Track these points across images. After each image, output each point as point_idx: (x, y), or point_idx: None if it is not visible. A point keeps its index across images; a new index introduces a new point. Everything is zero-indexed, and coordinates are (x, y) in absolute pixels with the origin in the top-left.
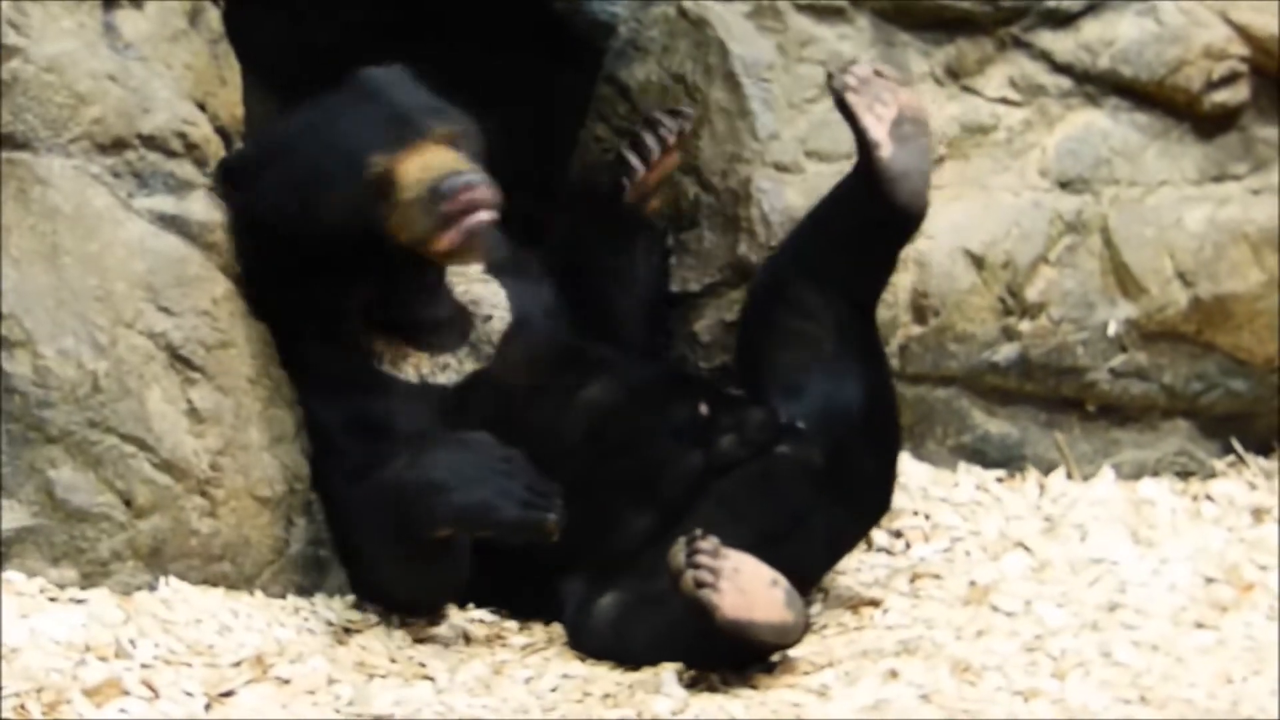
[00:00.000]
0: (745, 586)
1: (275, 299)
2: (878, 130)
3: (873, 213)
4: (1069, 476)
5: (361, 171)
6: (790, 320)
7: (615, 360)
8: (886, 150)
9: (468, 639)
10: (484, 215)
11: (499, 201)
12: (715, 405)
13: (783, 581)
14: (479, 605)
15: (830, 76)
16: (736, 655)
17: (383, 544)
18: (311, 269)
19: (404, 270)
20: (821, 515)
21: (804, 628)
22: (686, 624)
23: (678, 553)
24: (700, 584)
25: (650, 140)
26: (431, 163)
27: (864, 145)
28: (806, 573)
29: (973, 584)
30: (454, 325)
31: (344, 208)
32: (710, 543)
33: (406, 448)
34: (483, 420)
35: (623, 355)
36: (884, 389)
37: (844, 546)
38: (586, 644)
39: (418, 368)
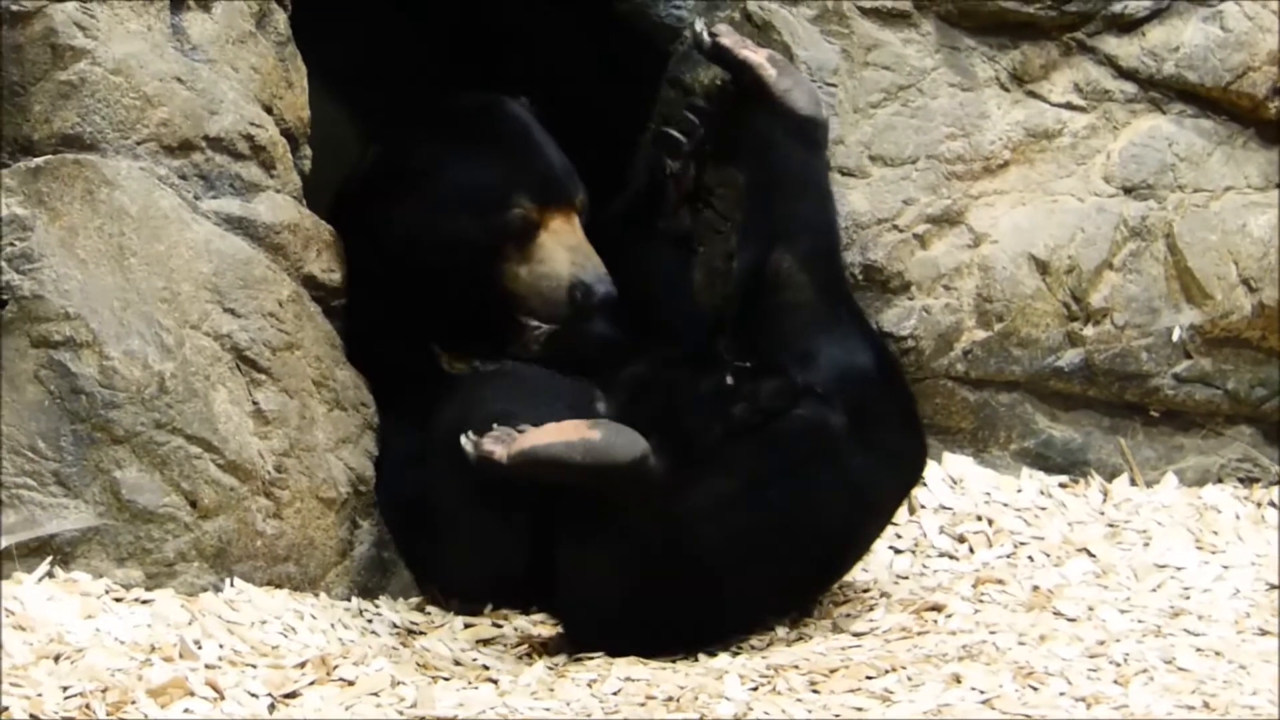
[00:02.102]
0: (546, 430)
1: (366, 308)
2: (757, 57)
3: (782, 133)
4: (1132, 482)
5: (506, 209)
6: (776, 294)
7: (651, 345)
8: (770, 71)
9: (530, 641)
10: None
11: None
12: (739, 377)
13: (610, 423)
14: (540, 608)
15: (696, 32)
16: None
17: (459, 494)
18: (412, 289)
19: (490, 310)
20: (849, 472)
21: (639, 455)
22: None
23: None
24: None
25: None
26: (574, 241)
27: (750, 74)
28: (839, 526)
29: (1036, 589)
30: (506, 336)
31: (475, 238)
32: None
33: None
34: None
35: (658, 342)
36: (885, 346)
37: (886, 500)
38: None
39: (469, 363)
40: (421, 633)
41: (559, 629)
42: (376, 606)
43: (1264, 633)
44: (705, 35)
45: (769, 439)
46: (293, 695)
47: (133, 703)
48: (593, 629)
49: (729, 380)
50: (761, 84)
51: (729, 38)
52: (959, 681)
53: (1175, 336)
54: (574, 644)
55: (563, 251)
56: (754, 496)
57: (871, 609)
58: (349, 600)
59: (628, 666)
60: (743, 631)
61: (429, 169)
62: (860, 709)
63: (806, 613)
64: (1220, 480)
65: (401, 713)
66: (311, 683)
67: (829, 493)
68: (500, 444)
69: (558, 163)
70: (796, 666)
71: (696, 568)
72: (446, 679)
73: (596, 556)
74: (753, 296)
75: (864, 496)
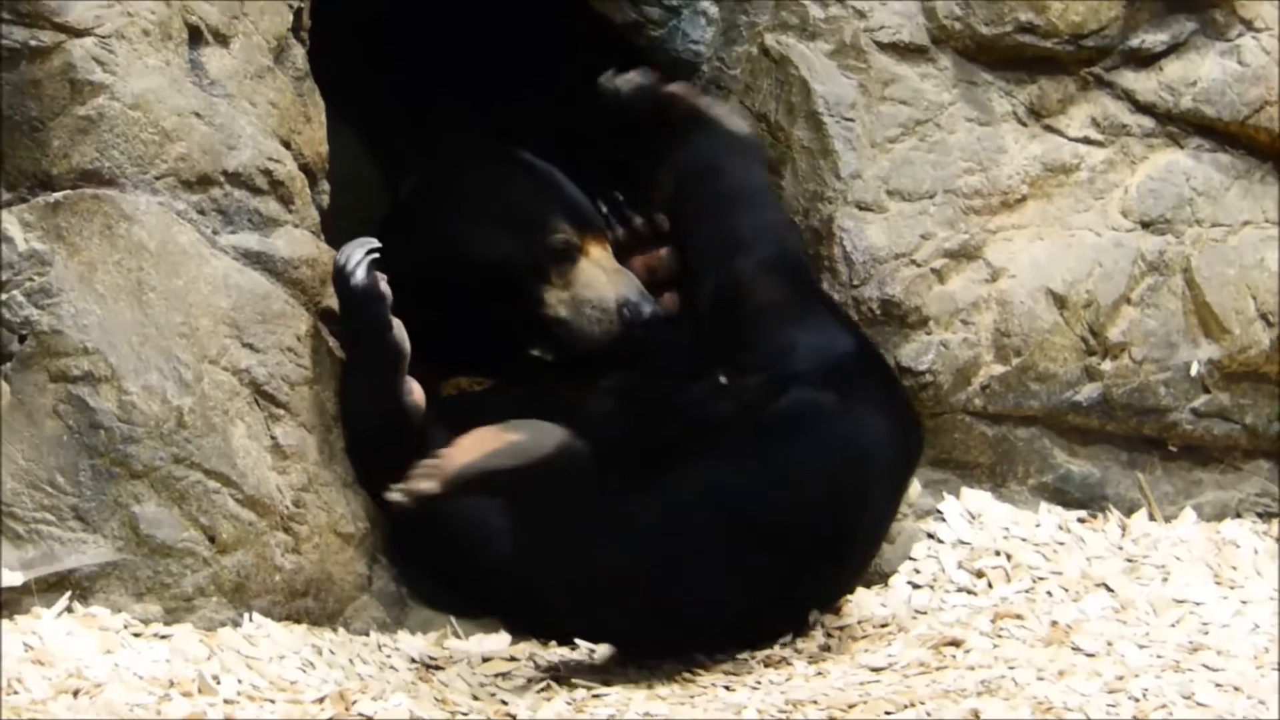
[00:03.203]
0: (467, 447)
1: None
2: (681, 89)
3: (725, 152)
4: (1151, 517)
5: (548, 233)
6: (746, 300)
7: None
8: (700, 99)
9: (549, 673)
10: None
11: None
12: (730, 375)
13: (523, 422)
14: (560, 642)
15: (604, 83)
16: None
17: None
18: (443, 309)
19: (525, 335)
20: (848, 442)
21: (559, 442)
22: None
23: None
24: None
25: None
26: (612, 265)
27: (682, 104)
28: (847, 497)
29: (1054, 624)
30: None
31: (518, 259)
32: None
33: None
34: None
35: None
36: (864, 333)
37: (892, 469)
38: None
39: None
40: (440, 667)
41: (576, 661)
42: (395, 641)
43: None
44: (616, 83)
45: (762, 423)
46: None
47: None
48: (597, 627)
49: (722, 379)
50: (695, 110)
51: (645, 77)
52: (977, 717)
53: (1193, 371)
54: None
55: (604, 275)
56: (750, 476)
57: (890, 644)
58: (367, 635)
59: (646, 701)
60: (776, 619)
61: (472, 192)
62: None
63: (845, 595)
64: (1239, 515)
65: None
66: (330, 718)
67: (829, 464)
68: (429, 478)
69: (580, 195)
70: (815, 701)
71: (678, 551)
72: (465, 714)
73: (568, 553)
74: (720, 308)
75: (867, 463)
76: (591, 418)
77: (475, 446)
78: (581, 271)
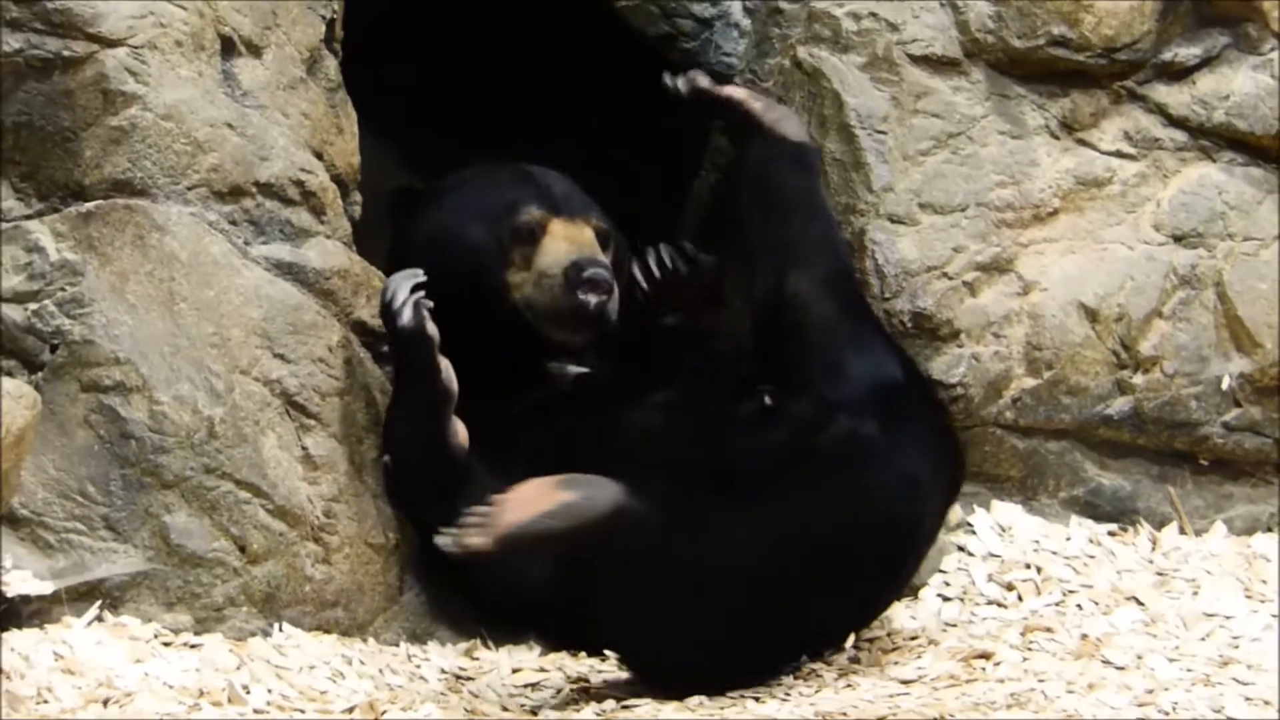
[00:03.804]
0: (517, 500)
1: None
2: (740, 93)
3: (779, 160)
4: (1181, 530)
5: (514, 217)
6: (796, 315)
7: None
8: (757, 104)
9: (578, 685)
10: (609, 306)
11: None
12: (776, 396)
13: (577, 479)
14: (590, 654)
15: (668, 84)
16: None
17: None
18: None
19: (496, 333)
20: (889, 475)
21: (614, 503)
22: None
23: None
24: (464, 541)
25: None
26: (579, 239)
27: (738, 109)
28: (888, 530)
29: (1084, 637)
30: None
31: (481, 249)
32: (483, 507)
33: None
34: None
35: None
36: (911, 359)
37: (931, 498)
38: None
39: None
40: (470, 678)
41: (605, 672)
42: (425, 652)
43: None
44: (678, 83)
45: (814, 456)
46: None
47: None
48: (654, 670)
49: (767, 400)
50: (751, 116)
51: (703, 79)
52: None
53: (1225, 385)
54: (636, 683)
55: (563, 244)
56: (796, 517)
57: (919, 656)
58: (397, 646)
59: (675, 713)
60: (812, 648)
61: (451, 187)
62: None
63: (873, 618)
64: (1269, 529)
65: None
66: None
67: (872, 499)
68: (481, 534)
69: (574, 191)
70: (844, 714)
71: (746, 594)
72: None
73: (632, 595)
74: (772, 321)
75: (915, 500)
76: (634, 437)
77: (528, 505)
78: (542, 249)
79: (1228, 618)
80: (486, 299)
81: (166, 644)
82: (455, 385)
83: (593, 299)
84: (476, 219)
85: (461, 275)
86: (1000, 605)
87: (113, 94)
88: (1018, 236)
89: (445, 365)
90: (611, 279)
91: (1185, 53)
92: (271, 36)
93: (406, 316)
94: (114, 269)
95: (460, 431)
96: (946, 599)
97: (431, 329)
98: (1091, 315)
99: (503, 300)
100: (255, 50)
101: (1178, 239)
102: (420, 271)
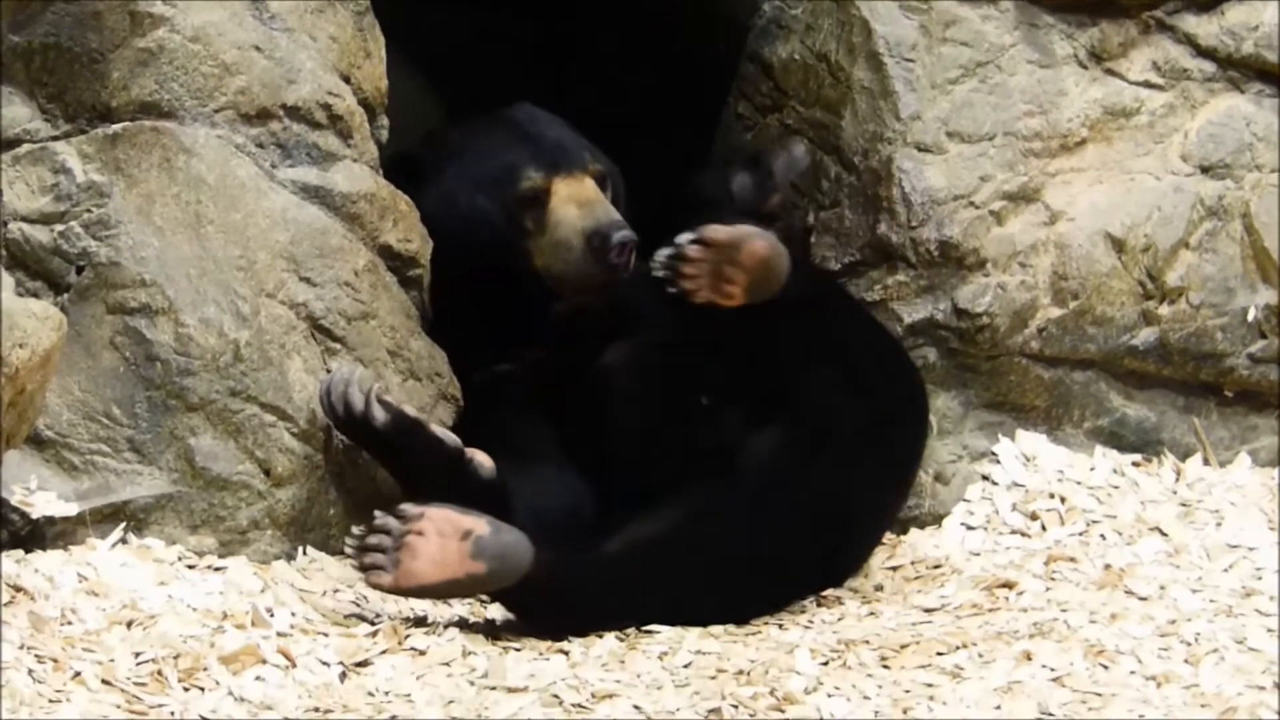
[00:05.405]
0: (426, 551)
1: None
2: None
3: None
4: (1206, 462)
5: (517, 184)
6: (792, 325)
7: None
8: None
9: None
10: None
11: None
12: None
13: (481, 529)
14: None
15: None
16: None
17: None
18: (445, 275)
19: (521, 294)
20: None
21: (520, 572)
22: None
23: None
24: (369, 566)
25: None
26: (585, 197)
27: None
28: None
29: (1108, 568)
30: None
31: (492, 220)
32: (400, 514)
33: None
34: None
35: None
36: (902, 351)
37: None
38: None
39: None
40: (493, 603)
41: None
42: None
43: None
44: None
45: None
46: (364, 664)
47: (204, 669)
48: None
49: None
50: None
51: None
52: (1029, 659)
53: (1250, 316)
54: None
55: (573, 208)
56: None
57: (943, 585)
58: None
59: (699, 640)
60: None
61: (449, 155)
62: (931, 685)
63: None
64: None
65: (473, 682)
66: (383, 651)
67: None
68: (385, 572)
69: (565, 138)
70: (867, 641)
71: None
72: (518, 649)
73: None
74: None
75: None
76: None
77: (436, 567)
78: (552, 213)
79: (1251, 549)
80: (507, 269)
81: (191, 566)
82: (456, 441)
83: (622, 262)
84: (480, 190)
85: (475, 250)
86: (1024, 535)
87: (140, 15)
88: (1045, 166)
89: (443, 432)
90: (632, 233)
91: None
92: None
93: (380, 416)
94: (140, 191)
95: (485, 464)
96: (970, 528)
97: (411, 411)
98: (1118, 245)
99: (524, 268)
100: None
101: (1205, 170)
102: (360, 368)
